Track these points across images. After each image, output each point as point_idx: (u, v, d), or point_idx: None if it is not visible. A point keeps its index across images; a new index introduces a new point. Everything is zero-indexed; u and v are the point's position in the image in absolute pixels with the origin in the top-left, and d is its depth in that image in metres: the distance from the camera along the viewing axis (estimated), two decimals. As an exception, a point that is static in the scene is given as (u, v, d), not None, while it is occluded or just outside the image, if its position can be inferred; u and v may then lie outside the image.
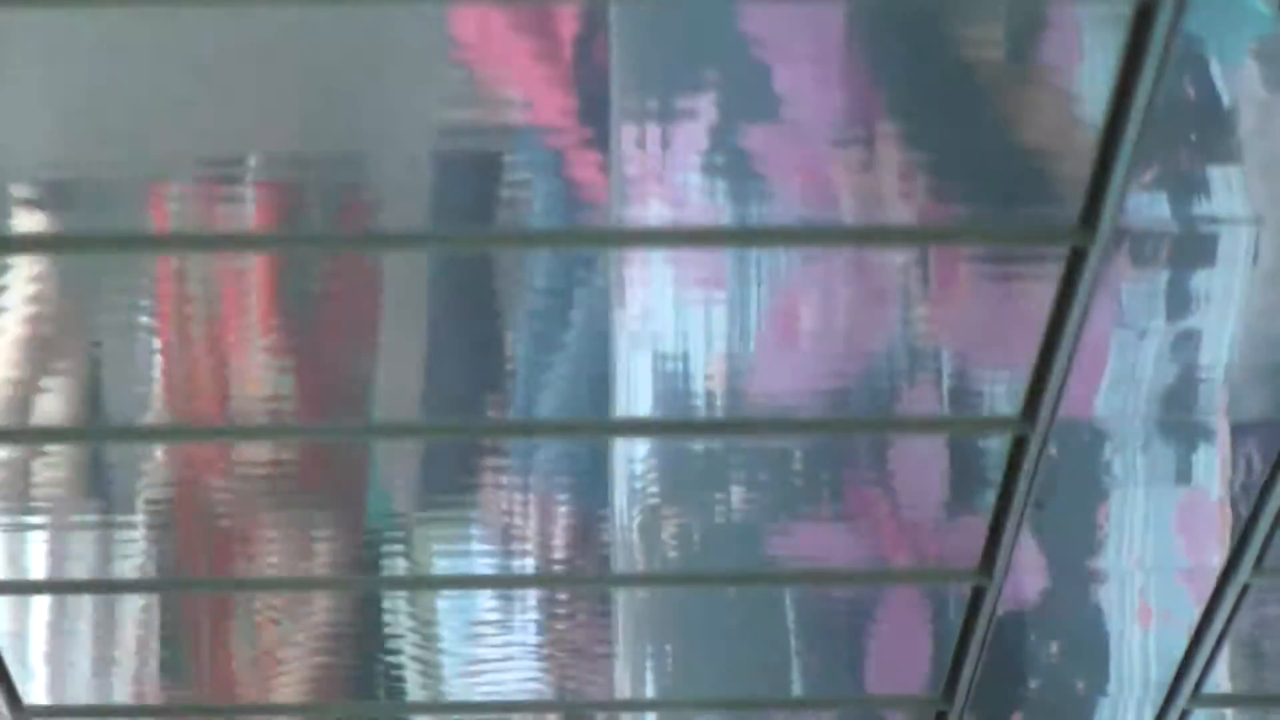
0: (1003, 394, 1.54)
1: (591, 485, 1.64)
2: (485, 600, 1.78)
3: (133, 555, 1.70)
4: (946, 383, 1.53)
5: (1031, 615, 1.82)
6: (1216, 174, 1.36)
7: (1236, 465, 1.62)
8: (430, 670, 1.88)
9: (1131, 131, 1.30)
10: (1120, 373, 1.52)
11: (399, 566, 1.73)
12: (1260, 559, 1.73)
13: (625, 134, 1.31)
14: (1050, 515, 1.68)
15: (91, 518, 1.65)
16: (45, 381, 1.50)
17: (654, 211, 1.37)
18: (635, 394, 1.54)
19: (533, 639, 1.84)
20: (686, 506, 1.67)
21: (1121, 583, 1.76)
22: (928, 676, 1.90)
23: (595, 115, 1.29)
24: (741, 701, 1.95)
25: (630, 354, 1.50)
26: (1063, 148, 1.33)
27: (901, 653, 1.87)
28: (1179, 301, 1.46)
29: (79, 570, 1.73)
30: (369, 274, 1.42)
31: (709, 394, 1.53)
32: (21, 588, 1.75)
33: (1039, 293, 1.44)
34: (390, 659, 1.86)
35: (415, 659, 1.86)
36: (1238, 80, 1.29)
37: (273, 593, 1.76)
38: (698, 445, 1.60)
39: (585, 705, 1.94)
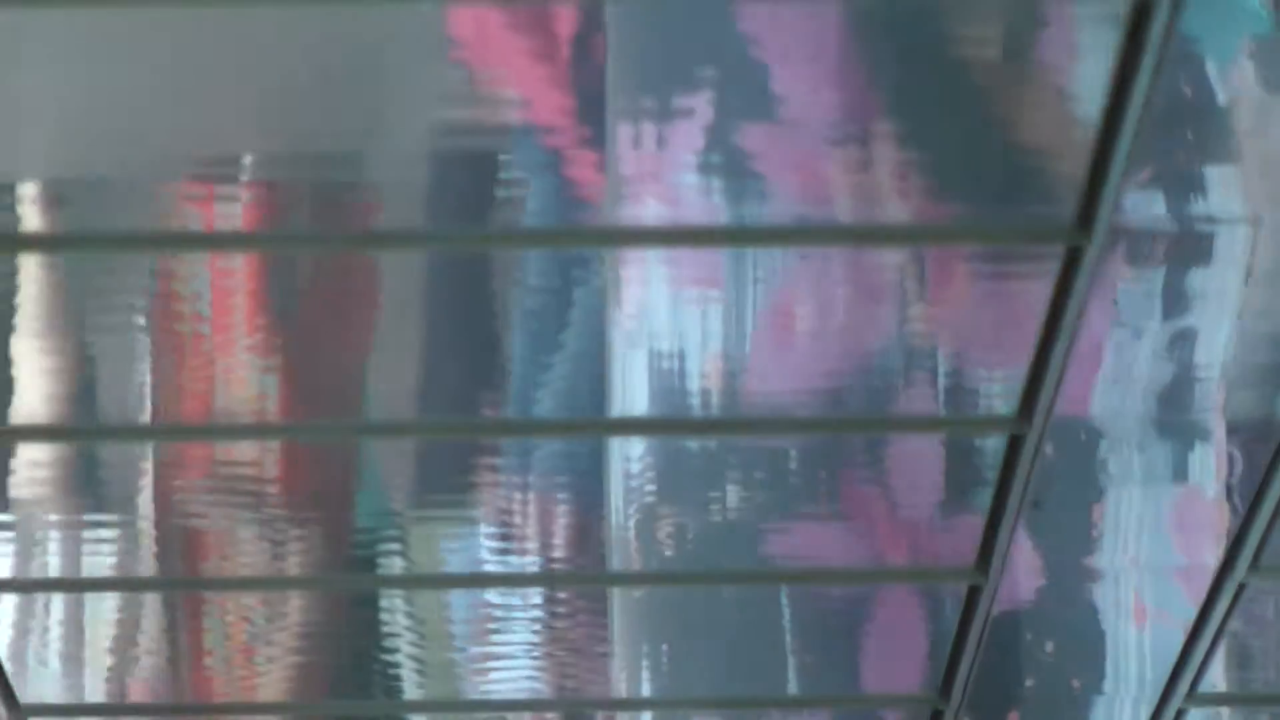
0: (999, 393, 1.54)
1: (587, 484, 1.64)
2: (480, 599, 1.78)
3: (131, 554, 1.70)
4: (942, 382, 1.53)
5: (1027, 614, 1.82)
6: (1213, 173, 1.36)
7: (1233, 464, 1.62)
8: (425, 669, 1.88)
9: (1128, 130, 1.30)
10: (1116, 372, 1.52)
11: (394, 565, 1.73)
12: (1256, 558, 1.73)
13: (622, 133, 1.31)
14: (1046, 514, 1.68)
15: (90, 517, 1.65)
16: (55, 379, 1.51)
17: (650, 210, 1.37)
18: (631, 393, 1.54)
19: (528, 638, 1.84)
20: (683, 505, 1.67)
21: (1117, 581, 1.77)
22: (924, 675, 1.90)
23: (592, 114, 1.29)
24: (738, 700, 1.95)
25: (626, 353, 1.50)
26: (1059, 147, 1.33)
27: (897, 652, 1.87)
28: (1175, 301, 1.46)
29: (76, 569, 1.73)
30: (366, 273, 1.42)
31: (705, 393, 1.53)
32: (20, 586, 1.75)
33: (1035, 292, 1.44)
34: (386, 658, 1.86)
35: (411, 658, 1.86)
36: (1234, 79, 1.29)
37: (271, 592, 1.76)
38: (694, 444, 1.60)
39: (581, 704, 1.94)
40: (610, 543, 1.70)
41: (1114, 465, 1.62)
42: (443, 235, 1.38)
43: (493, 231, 1.38)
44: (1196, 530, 1.71)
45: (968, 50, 1.26)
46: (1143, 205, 1.37)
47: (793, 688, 1.92)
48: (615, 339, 1.49)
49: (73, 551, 1.70)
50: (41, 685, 1.89)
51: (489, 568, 1.74)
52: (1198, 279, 1.44)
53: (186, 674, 1.88)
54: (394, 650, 1.85)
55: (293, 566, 1.72)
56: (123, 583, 1.74)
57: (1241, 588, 1.77)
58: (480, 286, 1.43)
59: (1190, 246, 1.42)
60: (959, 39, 1.25)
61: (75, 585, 1.75)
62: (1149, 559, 1.74)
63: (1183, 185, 1.36)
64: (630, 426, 1.58)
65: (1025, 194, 1.36)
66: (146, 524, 1.66)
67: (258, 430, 1.56)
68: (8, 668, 1.86)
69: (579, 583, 1.76)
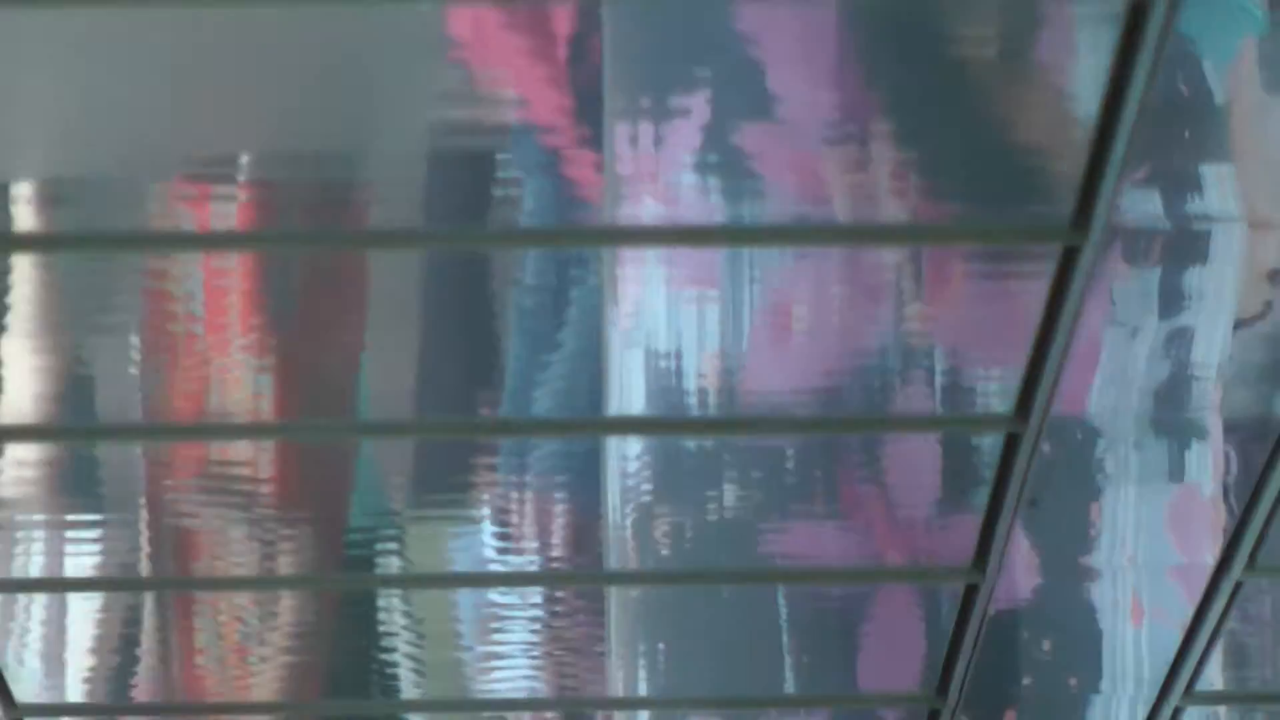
0: (996, 392, 1.54)
1: (585, 484, 1.64)
2: (478, 598, 1.78)
3: (130, 554, 1.70)
4: (940, 381, 1.53)
5: (1024, 613, 1.82)
6: (1209, 172, 1.36)
7: (1229, 462, 1.62)
8: (422, 668, 1.88)
9: (1124, 130, 1.30)
10: (1113, 370, 1.52)
11: (392, 565, 1.73)
12: (1253, 556, 1.73)
13: (620, 133, 1.31)
14: (1043, 513, 1.68)
15: (90, 517, 1.65)
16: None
17: (648, 210, 1.37)
18: (629, 392, 1.54)
19: (525, 637, 1.84)
20: (680, 505, 1.67)
21: (1114, 580, 1.77)
22: (921, 674, 1.90)
23: (590, 114, 1.29)
24: (735, 700, 1.95)
25: (623, 352, 1.50)
26: (1056, 146, 1.33)
27: (895, 650, 1.87)
28: (1171, 299, 1.46)
29: (74, 569, 1.72)
30: (362, 272, 1.42)
31: (702, 392, 1.53)
32: (19, 586, 1.75)
33: (1032, 291, 1.44)
34: (383, 657, 1.86)
35: (408, 657, 1.86)
36: (1230, 79, 1.29)
37: (268, 592, 1.76)
38: (691, 444, 1.60)
39: (579, 703, 1.94)
40: (607, 542, 1.70)
41: (1111, 464, 1.62)
42: (440, 235, 1.38)
43: (491, 231, 1.38)
44: (1193, 529, 1.71)
45: (964, 50, 1.26)
46: (1139, 204, 1.37)
47: (790, 687, 1.92)
48: (613, 338, 1.49)
49: (64, 551, 1.70)
50: (36, 685, 1.89)
51: (484, 567, 1.73)
52: (1194, 278, 1.44)
53: (197, 673, 1.88)
54: (391, 650, 1.85)
55: (287, 566, 1.72)
56: (121, 583, 1.74)
57: (1238, 586, 1.77)
58: (478, 286, 1.43)
59: (1186, 245, 1.42)
60: (956, 39, 1.25)
61: (63, 585, 1.75)
62: (1146, 558, 1.74)
63: (1179, 184, 1.36)
64: (627, 426, 1.58)
65: (1022, 193, 1.36)
66: (145, 524, 1.66)
67: (252, 430, 1.56)
68: (3, 668, 1.86)
69: (576, 582, 1.76)
